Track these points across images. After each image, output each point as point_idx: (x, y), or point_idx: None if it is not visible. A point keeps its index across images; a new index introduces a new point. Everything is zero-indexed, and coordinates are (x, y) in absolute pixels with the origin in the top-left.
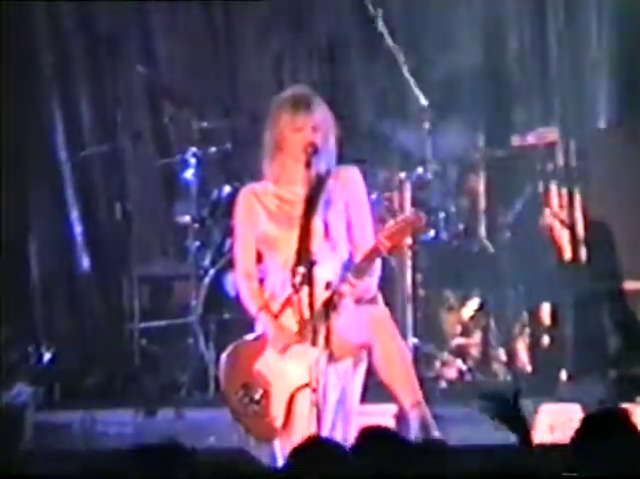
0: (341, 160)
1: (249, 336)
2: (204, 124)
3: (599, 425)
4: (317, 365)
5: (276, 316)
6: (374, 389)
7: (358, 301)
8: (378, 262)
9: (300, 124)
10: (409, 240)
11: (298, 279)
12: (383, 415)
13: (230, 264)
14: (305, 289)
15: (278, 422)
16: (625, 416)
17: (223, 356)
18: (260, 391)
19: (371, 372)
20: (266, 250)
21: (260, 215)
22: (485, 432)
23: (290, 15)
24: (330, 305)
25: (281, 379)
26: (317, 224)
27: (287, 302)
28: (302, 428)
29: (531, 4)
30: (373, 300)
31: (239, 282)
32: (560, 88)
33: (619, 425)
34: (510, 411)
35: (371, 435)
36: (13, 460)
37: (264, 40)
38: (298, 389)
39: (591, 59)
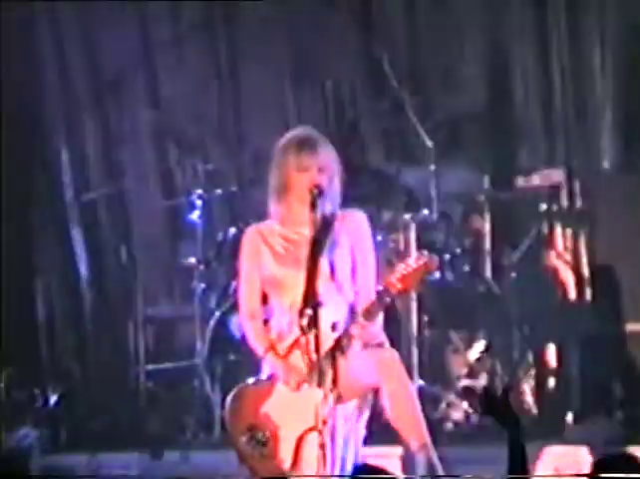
0: (346, 201)
1: (255, 378)
2: (210, 166)
3: (610, 470)
4: (324, 407)
5: (284, 358)
6: (380, 431)
7: (365, 344)
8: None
9: (306, 164)
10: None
11: (305, 321)
12: (389, 457)
13: (236, 306)
14: (312, 331)
15: (286, 464)
16: (635, 461)
17: (229, 398)
18: (267, 433)
19: (377, 414)
20: (272, 292)
21: (266, 255)
22: (491, 474)
23: (296, 56)
24: (338, 347)
25: (289, 421)
26: (323, 265)
27: (295, 344)
28: (310, 470)
29: (536, 46)
30: (380, 342)
31: (244, 323)
32: (565, 129)
33: (630, 470)
34: (502, 404)
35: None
36: None
37: (269, 81)
38: (306, 431)
39: (596, 100)
